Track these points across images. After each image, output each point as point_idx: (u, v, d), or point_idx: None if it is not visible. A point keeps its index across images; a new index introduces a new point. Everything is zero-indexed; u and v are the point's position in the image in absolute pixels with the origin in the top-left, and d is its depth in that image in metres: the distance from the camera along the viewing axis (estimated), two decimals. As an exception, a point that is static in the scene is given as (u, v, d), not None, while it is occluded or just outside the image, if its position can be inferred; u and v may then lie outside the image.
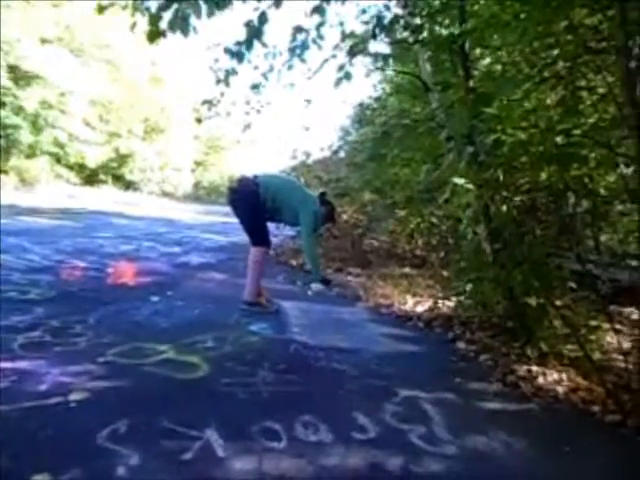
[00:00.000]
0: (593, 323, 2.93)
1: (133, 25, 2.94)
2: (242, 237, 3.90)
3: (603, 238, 4.71)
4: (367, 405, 2.13)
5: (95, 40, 19.65)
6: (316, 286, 3.65)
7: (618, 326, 3.07)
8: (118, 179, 24.51)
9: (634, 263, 3.44)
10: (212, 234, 9.68)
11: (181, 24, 2.58)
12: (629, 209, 3.45)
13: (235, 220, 3.75)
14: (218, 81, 3.52)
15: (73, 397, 1.88)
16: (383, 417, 2.03)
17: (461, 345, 3.22)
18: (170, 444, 1.63)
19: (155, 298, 3.68)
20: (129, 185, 25.10)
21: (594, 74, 3.06)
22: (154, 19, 2.58)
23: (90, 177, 22.43)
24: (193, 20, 2.70)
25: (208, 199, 31.11)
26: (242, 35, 2.91)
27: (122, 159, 23.86)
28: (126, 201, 18.94)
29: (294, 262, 6.51)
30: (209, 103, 4.92)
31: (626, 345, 2.64)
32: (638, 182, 2.11)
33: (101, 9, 3.05)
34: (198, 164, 32.75)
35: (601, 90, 3.10)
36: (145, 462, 1.52)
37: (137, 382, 2.10)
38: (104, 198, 18.62)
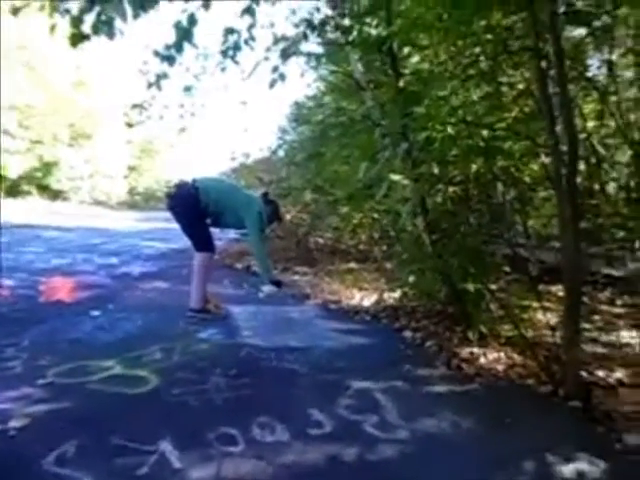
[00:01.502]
0: (525, 303, 3.15)
1: (52, 28, 2.79)
2: (185, 243, 3.83)
3: (530, 223, 5.06)
4: (321, 400, 2.18)
5: (11, 42, 18.34)
6: (268, 288, 3.65)
7: (546, 304, 3.32)
8: (44, 189, 23.08)
9: (557, 244, 3.73)
10: (152, 241, 9.36)
11: (105, 27, 2.49)
12: (550, 195, 3.74)
13: (176, 225, 3.68)
14: (149, 85, 3.42)
15: (13, 424, 1.78)
16: (337, 411, 2.09)
17: (407, 334, 3.36)
18: (123, 461, 1.60)
19: (95, 313, 3.53)
20: (57, 195, 23.69)
21: (513, 70, 3.28)
22: (76, 22, 2.46)
23: (12, 188, 20.94)
24: (118, 22, 2.62)
25: (145, 205, 30.02)
26: (172, 37, 2.85)
27: (47, 168, 22.48)
28: (55, 212, 17.88)
29: (239, 265, 6.46)
30: (140, 107, 4.76)
31: (554, 321, 2.87)
32: (555, 170, 2.30)
33: (15, 10, 2.88)
34: (131, 169, 31.49)
35: (520, 86, 3.33)
36: (98, 482, 1.48)
37: (83, 401, 2.02)
38: (30, 210, 17.46)
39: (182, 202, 3.56)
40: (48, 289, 4.38)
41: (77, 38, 2.41)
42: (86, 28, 2.53)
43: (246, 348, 2.94)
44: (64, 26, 2.75)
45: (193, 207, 3.50)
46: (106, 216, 19.35)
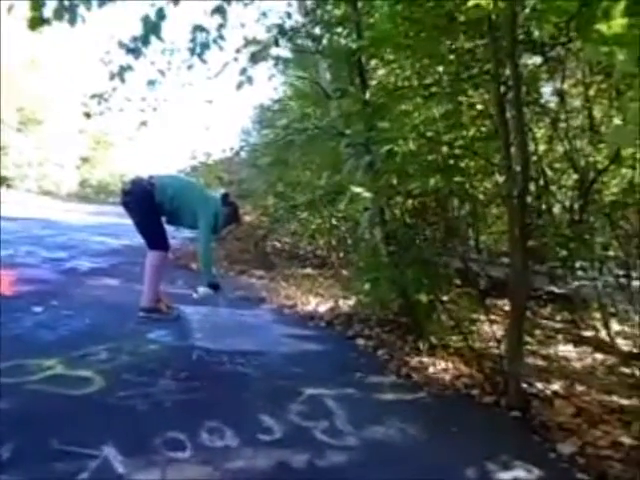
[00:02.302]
0: (473, 316, 3.28)
1: (10, 8, 2.67)
2: (138, 240, 3.72)
3: (482, 238, 5.27)
4: (272, 406, 2.17)
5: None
6: (203, 290, 3.53)
7: (493, 317, 3.46)
8: (-13, 175, 21.76)
9: (506, 260, 3.90)
10: (103, 236, 9.01)
11: (68, 13, 2.41)
12: (502, 212, 3.91)
13: (129, 221, 3.57)
14: (112, 76, 3.32)
15: (-58, 425, 1.67)
16: (288, 417, 2.09)
17: (360, 342, 3.40)
18: (62, 466, 1.53)
19: (38, 309, 3.36)
20: (1, 182, 22.39)
21: (473, 91, 3.42)
22: (36, 5, 2.37)
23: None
24: (81, 9, 2.54)
25: (97, 198, 28.89)
26: (138, 30, 2.79)
27: (-8, 152, 21.23)
28: (-2, 200, 16.89)
29: (194, 265, 6.32)
30: (99, 97, 4.61)
31: (499, 333, 3.00)
32: (508, 189, 2.42)
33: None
34: (84, 160, 30.23)
35: (479, 107, 3.48)
36: (34, 488, 1.41)
37: (21, 402, 1.91)
38: (-31, 196, 16.40)
39: (137, 198, 3.46)
40: (-13, 281, 4.13)
41: (37, 22, 2.32)
42: (47, 12, 2.44)
43: (197, 351, 2.88)
44: (22, 6, 2.64)
45: (148, 204, 3.42)
46: (54, 207, 18.45)
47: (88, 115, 4.99)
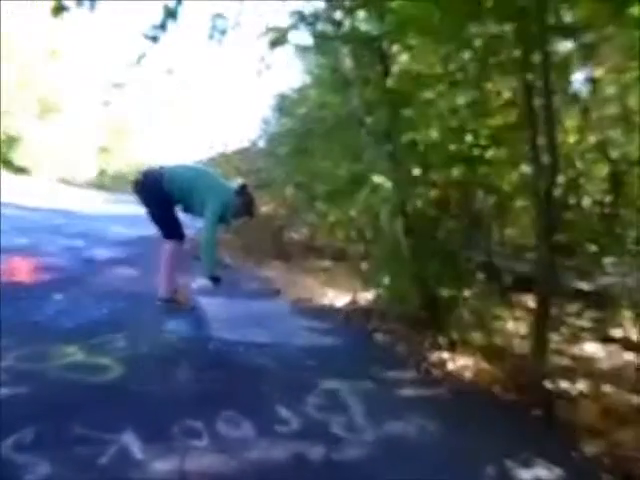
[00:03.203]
0: (496, 312, 3.25)
1: (56, 10, 2.73)
2: (153, 229, 3.78)
3: (507, 232, 5.20)
4: (289, 398, 2.20)
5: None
6: (204, 282, 3.54)
7: (517, 313, 3.43)
8: (7, 164, 22.28)
9: (531, 255, 3.84)
10: (121, 226, 9.17)
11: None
12: (528, 205, 3.85)
13: (144, 211, 3.64)
14: (131, 63, 3.36)
15: (-33, 407, 1.75)
16: (305, 409, 2.12)
17: (379, 336, 3.41)
18: (83, 450, 1.59)
19: (58, 296, 3.46)
20: (20, 171, 22.93)
21: (500, 78, 3.37)
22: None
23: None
24: (101, -4, 2.58)
25: (114, 187, 29.35)
26: (157, 19, 2.82)
27: (11, 141, 21.70)
28: (18, 189, 17.33)
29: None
30: (119, 86, 4.66)
31: (523, 330, 2.97)
32: (535, 181, 2.39)
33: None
34: (103, 150, 30.72)
35: (506, 94, 3.43)
36: (55, 469, 1.47)
37: (42, 387, 1.99)
38: (-10, 185, 16.85)
39: (146, 189, 3.55)
40: (8, 269, 4.27)
41: (59, 8, 2.38)
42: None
43: (214, 341, 2.94)
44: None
45: (157, 193, 3.48)
46: (73, 196, 18.85)
47: (107, 103, 5.07)
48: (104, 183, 30.57)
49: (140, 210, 3.79)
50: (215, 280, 3.56)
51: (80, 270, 4.58)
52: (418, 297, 3.59)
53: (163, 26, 2.91)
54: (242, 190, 3.71)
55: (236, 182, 4.04)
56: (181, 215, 3.74)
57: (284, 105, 9.60)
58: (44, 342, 2.50)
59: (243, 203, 3.67)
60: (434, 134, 2.98)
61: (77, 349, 2.47)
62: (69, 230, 7.72)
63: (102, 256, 5.58)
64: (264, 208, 7.37)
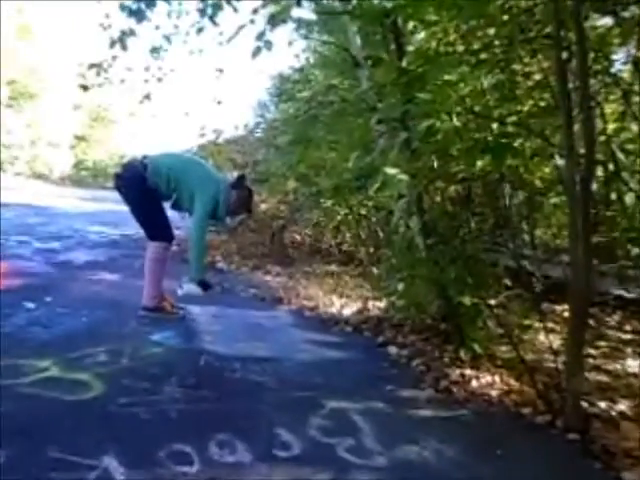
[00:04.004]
0: (526, 322, 3.25)
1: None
2: (139, 229, 3.81)
3: (538, 232, 5.19)
4: (290, 419, 2.21)
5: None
6: (190, 287, 3.49)
7: (550, 324, 3.42)
8: (-26, 156, 22.44)
9: (566, 259, 3.83)
10: (100, 225, 9.25)
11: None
12: (562, 202, 3.85)
13: (127, 209, 3.66)
14: (112, 42, 3.39)
15: None
16: (308, 431, 2.13)
17: (392, 350, 3.42)
18: (59, 476, 1.60)
19: (30, 305, 3.50)
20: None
21: (530, 59, 3.37)
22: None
23: None
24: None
25: (93, 182, 29.49)
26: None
27: (-22, 131, 21.86)
28: (-16, 184, 17.44)
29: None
30: (98, 67, 4.71)
31: (557, 344, 2.96)
32: (569, 174, 2.38)
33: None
34: (80, 139, 30.87)
35: (537, 77, 3.42)
36: (28, 499, 1.49)
37: (14, 406, 2.01)
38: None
39: (128, 182, 3.53)
40: (-26, 274, 4.31)
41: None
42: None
43: (206, 355, 2.96)
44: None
45: (140, 188, 3.47)
46: (47, 192, 18.96)
47: (85, 88, 5.11)
48: (81, 177, 30.73)
49: (122, 207, 3.81)
50: (204, 286, 3.54)
51: (55, 275, 4.62)
52: (437, 306, 3.59)
53: (149, 2, 2.95)
54: (240, 182, 3.68)
55: (230, 175, 4.04)
56: (171, 214, 3.77)
57: (284, 88, 9.64)
58: (15, 356, 2.52)
59: (240, 198, 3.64)
60: (455, 121, 2.97)
61: (52, 363, 2.50)
62: (43, 231, 7.78)
63: (80, 260, 5.63)
64: (262, 205, 7.42)
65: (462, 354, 3.14)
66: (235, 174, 4.19)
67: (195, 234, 3.48)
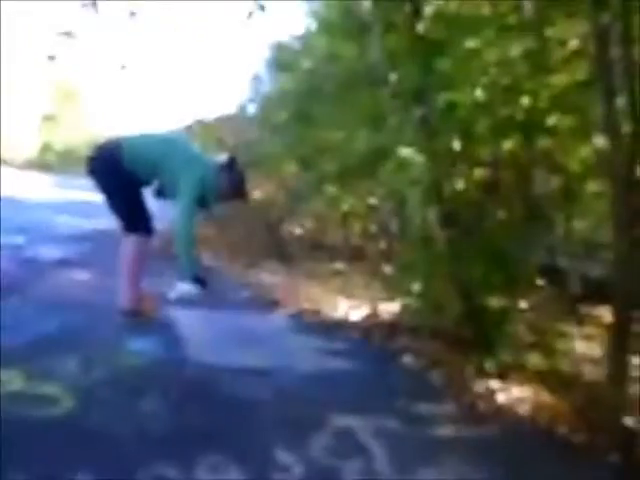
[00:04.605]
0: (561, 328, 3.24)
1: None
2: (112, 220, 3.80)
3: (575, 224, 5.18)
4: (290, 439, 2.22)
5: None
6: (183, 287, 3.37)
7: (588, 330, 3.42)
8: None
9: (607, 255, 3.82)
10: (71, 217, 9.24)
11: None
12: (603, 189, 3.83)
13: (102, 198, 3.66)
14: (83, 4, 3.39)
15: None
16: (310, 452, 2.13)
17: (407, 359, 3.42)
18: (24, 504, 1.61)
19: (-9, 308, 3.51)
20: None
21: (565, 21, 3.35)
22: None
23: None
24: None
25: (63, 167, 29.53)
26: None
27: None
28: (-62, 169, 17.48)
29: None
30: (68, 34, 4.70)
31: (597, 352, 2.96)
32: (612, 156, 2.37)
33: None
34: (47, 118, 30.90)
35: (573, 43, 3.41)
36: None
37: (-28, 424, 2.02)
38: None
39: (102, 167, 3.52)
40: None
41: None
42: None
43: (192, 366, 2.96)
44: None
45: (115, 173, 3.46)
46: (10, 179, 19.01)
47: (53, 58, 5.10)
48: (49, 161, 30.77)
49: (96, 196, 3.81)
50: (200, 282, 3.43)
51: (20, 274, 4.63)
52: (459, 308, 3.59)
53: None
54: (230, 164, 3.67)
55: (220, 157, 4.00)
56: (153, 203, 3.77)
57: (282, 58, 9.61)
58: (-26, 366, 2.53)
59: (231, 181, 3.62)
60: (479, 94, 2.96)
61: (17, 375, 2.49)
62: (5, 223, 7.78)
63: (48, 256, 5.63)
64: (257, 193, 7.38)
65: (488, 364, 3.14)
66: (225, 156, 4.18)
67: (181, 223, 3.45)
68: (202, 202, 3.56)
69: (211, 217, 6.40)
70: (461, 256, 3.21)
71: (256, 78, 11.05)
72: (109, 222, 3.97)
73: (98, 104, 31.98)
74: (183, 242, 3.46)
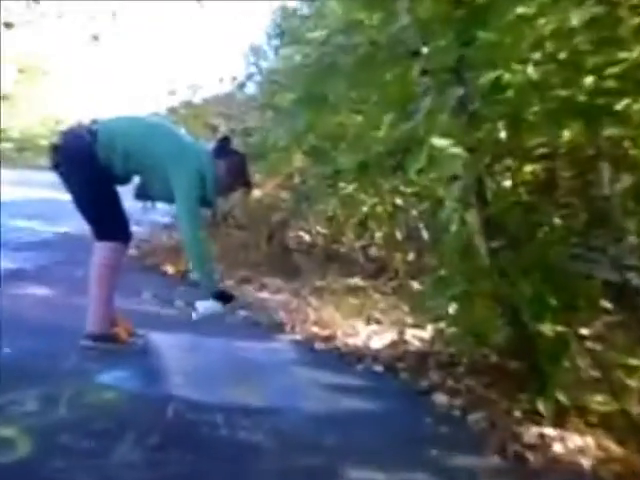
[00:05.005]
0: (632, 361, 3.21)
1: None
2: (82, 224, 3.82)
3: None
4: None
5: None
6: (206, 305, 3.51)
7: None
8: None
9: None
10: (29, 220, 9.32)
11: None
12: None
13: (68, 196, 3.68)
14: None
15: None
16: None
17: (440, 398, 3.40)
18: None
19: None
20: None
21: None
22: None
23: None
24: None
25: (20, 159, 29.78)
26: None
27: None
28: None
29: (171, 268, 6.47)
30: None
31: (678, 392, 2.93)
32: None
33: None
34: (3, 98, 31.20)
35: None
36: None
37: None
38: None
39: (70, 158, 3.52)
40: None
41: None
42: None
43: (176, 403, 2.96)
44: None
45: (87, 166, 3.47)
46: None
47: (9, 25, 5.16)
48: (3, 151, 31.02)
49: (60, 194, 3.84)
50: (225, 299, 3.55)
51: (-34, 289, 4.66)
52: (505, 336, 3.57)
53: None
54: (224, 147, 3.66)
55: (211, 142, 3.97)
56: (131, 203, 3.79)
57: (288, 27, 9.66)
58: None
59: (230, 168, 3.65)
60: (531, 72, 2.95)
61: (-38, 413, 2.52)
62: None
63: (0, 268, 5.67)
64: (257, 192, 7.41)
65: (541, 406, 3.11)
66: (220, 136, 4.15)
67: (188, 233, 3.50)
68: (204, 200, 3.57)
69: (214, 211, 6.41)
70: (508, 271, 3.19)
71: (256, 51, 11.11)
72: (74, 226, 3.99)
73: (64, 82, 32.24)
74: (195, 254, 3.51)
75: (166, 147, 3.54)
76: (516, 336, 3.40)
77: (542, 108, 3.07)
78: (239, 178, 3.76)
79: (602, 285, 3.73)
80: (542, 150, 3.56)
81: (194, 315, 3.52)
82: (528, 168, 3.61)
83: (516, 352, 3.50)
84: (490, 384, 3.51)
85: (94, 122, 3.60)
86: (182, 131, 4.04)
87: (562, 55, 3.06)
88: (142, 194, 3.68)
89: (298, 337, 4.50)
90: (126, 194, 3.78)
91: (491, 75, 2.98)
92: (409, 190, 5.92)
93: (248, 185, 4.02)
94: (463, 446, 2.86)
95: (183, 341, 3.96)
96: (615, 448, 2.83)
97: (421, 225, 6.28)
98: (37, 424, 2.52)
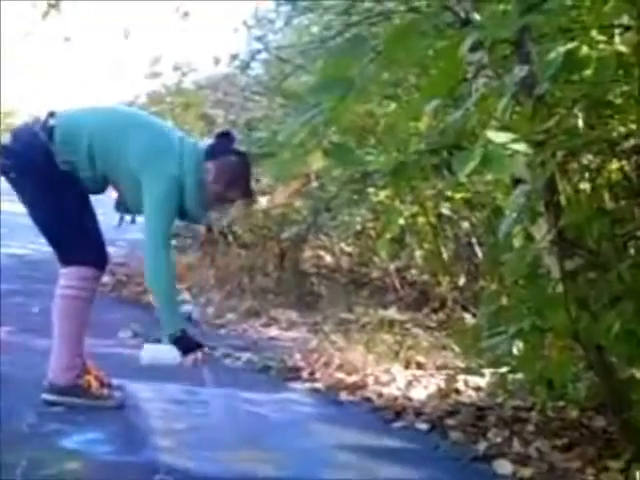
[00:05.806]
0: None
1: None
2: (43, 245, 3.84)
3: None
4: None
5: None
6: (156, 350, 3.53)
7: None
8: None
9: None
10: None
11: None
12: None
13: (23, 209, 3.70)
14: None
15: None
16: None
17: (504, 467, 3.36)
18: None
19: None
20: None
21: None
22: None
23: None
24: None
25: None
26: None
27: None
28: None
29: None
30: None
31: None
32: None
33: None
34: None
35: None
36: None
37: None
38: None
39: (23, 162, 3.54)
40: None
41: None
42: None
43: (162, 475, 2.94)
44: None
45: (42, 171, 3.48)
46: None
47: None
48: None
49: (13, 206, 3.86)
50: (184, 345, 3.47)
51: None
52: (586, 384, 3.54)
53: None
54: (222, 144, 3.66)
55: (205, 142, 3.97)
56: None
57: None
58: None
59: (226, 172, 3.64)
60: (617, 42, 2.92)
61: None
62: None
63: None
64: (262, 200, 7.42)
65: (638, 475, 3.07)
66: (219, 131, 4.15)
67: (150, 254, 3.51)
68: (184, 213, 3.57)
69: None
70: (589, 300, 3.16)
71: (261, 22, 11.18)
72: (29, 247, 4.01)
73: (14, 64, 32.68)
74: (156, 282, 3.50)
75: (138, 145, 3.52)
76: (602, 384, 3.36)
77: (632, 88, 3.04)
78: (233, 186, 3.66)
79: None
80: (632, 142, 3.52)
81: (142, 359, 3.48)
82: (614, 166, 3.58)
83: (602, 405, 3.46)
84: (569, 448, 3.47)
85: (51, 115, 3.57)
86: (167, 124, 4.04)
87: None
88: (123, 204, 3.67)
89: (318, 385, 4.49)
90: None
91: (564, 48, 2.96)
92: (458, 197, 5.92)
93: (248, 195, 3.97)
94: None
95: (171, 393, 3.96)
96: None
97: (474, 241, 6.28)
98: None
